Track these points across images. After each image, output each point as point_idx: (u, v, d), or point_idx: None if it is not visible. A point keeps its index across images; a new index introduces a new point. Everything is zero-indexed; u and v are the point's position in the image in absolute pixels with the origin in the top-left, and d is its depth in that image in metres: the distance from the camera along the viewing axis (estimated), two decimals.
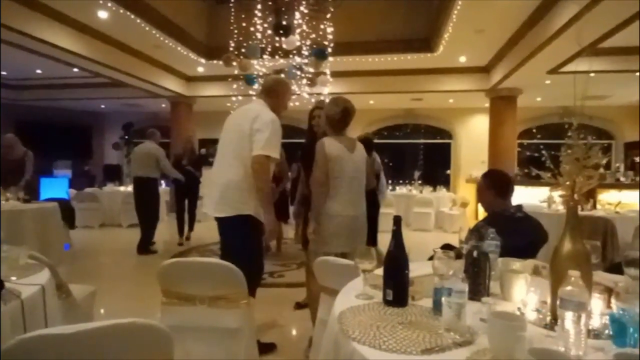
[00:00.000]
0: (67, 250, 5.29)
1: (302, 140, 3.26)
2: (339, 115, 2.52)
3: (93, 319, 2.27)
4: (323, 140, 2.49)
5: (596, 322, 1.10)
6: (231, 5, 6.06)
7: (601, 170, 1.17)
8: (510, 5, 5.23)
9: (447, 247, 1.92)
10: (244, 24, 5.97)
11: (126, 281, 4.46)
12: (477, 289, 1.33)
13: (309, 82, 6.45)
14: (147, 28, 6.13)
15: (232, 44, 6.03)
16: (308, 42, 6.03)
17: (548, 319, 1.14)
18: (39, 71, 8.09)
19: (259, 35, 5.83)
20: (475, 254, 1.37)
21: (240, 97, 7.41)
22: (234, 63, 5.95)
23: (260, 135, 2.30)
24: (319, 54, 5.83)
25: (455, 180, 10.61)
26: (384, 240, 1.57)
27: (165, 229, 6.17)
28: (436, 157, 11.13)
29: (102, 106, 11.74)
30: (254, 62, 6.16)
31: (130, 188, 8.59)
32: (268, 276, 4.37)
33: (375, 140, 5.72)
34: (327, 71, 6.51)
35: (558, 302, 0.97)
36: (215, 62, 7.41)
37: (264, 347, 2.53)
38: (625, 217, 4.43)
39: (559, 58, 5.87)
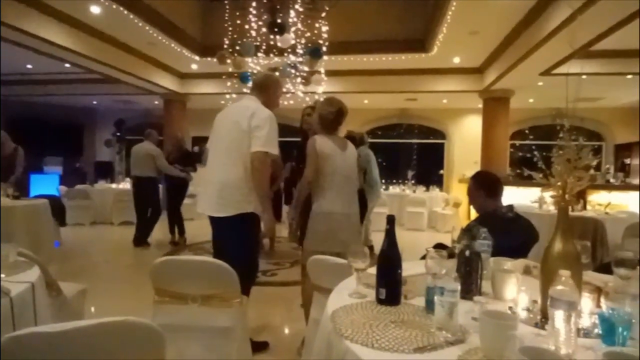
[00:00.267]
0: (58, 247, 5.23)
1: (296, 139, 3.25)
2: (333, 116, 2.53)
3: (84, 317, 2.24)
4: (315, 137, 2.49)
5: (586, 321, 1.12)
6: (226, 2, 6.03)
7: (592, 171, 1.18)
8: (504, 7, 5.26)
9: (439, 246, 1.93)
10: (238, 22, 5.95)
11: (118, 279, 4.42)
12: (469, 288, 1.34)
13: (303, 81, 6.44)
14: (140, 24, 6.07)
15: (227, 42, 6.00)
16: (303, 41, 6.02)
17: (539, 318, 1.16)
18: (29, 66, 7.97)
19: (253, 33, 5.81)
20: (467, 253, 1.38)
21: (234, 95, 7.37)
22: (228, 61, 5.92)
23: (259, 131, 2.30)
24: (314, 53, 5.83)
25: (449, 180, 10.67)
26: (378, 239, 1.57)
27: (157, 228, 6.11)
28: (430, 157, 11.18)
29: (94, 102, 11.62)
30: (248, 60, 6.14)
31: (122, 185, 8.61)
32: (261, 275, 4.36)
33: (370, 140, 5.72)
34: (322, 70, 6.51)
35: (548, 302, 0.98)
36: (209, 59, 7.37)
37: (257, 345, 2.53)
38: (615, 218, 4.49)
39: (552, 60, 5.93)
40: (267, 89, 2.55)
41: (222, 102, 7.53)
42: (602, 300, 1.09)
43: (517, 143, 10.45)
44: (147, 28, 6.22)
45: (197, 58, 7.72)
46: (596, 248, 3.99)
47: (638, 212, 5.22)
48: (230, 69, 6.14)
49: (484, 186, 2.28)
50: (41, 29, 5.48)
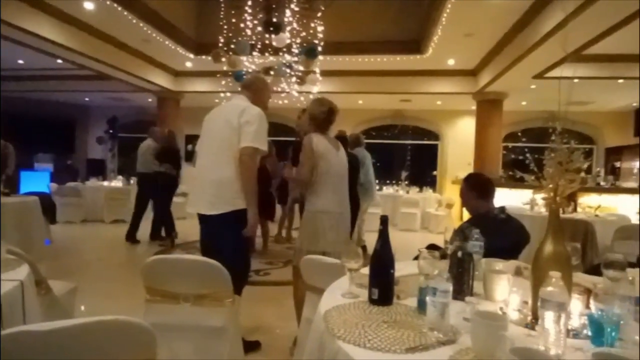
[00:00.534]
0: (48, 245, 5.17)
1: (291, 138, 3.25)
2: (325, 115, 2.56)
3: (74, 316, 2.22)
4: (311, 136, 2.49)
5: (575, 322, 1.13)
6: (221, 0, 6.00)
7: (582, 174, 1.20)
8: (498, 11, 5.31)
9: (432, 247, 1.94)
10: (233, 20, 5.92)
11: (108, 278, 4.38)
12: (461, 289, 1.35)
13: (298, 81, 6.43)
14: (134, 21, 6.02)
15: (222, 40, 5.97)
16: (298, 40, 6.01)
17: (529, 318, 1.17)
18: (21, 62, 7.86)
19: (248, 32, 5.79)
20: (459, 254, 1.39)
21: (228, 94, 7.35)
22: (223, 59, 5.90)
23: (249, 127, 2.32)
24: (310, 53, 5.82)
25: (442, 182, 10.73)
26: (371, 239, 1.58)
27: (149, 225, 6.08)
28: (423, 158, 11.23)
29: (87, 99, 11.50)
30: (243, 58, 6.12)
31: (114, 183, 8.56)
32: (254, 274, 4.35)
33: (365, 140, 5.73)
34: (317, 70, 6.50)
35: (539, 303, 0.99)
36: (204, 57, 7.33)
37: (249, 345, 2.52)
38: (605, 220, 4.54)
39: (545, 63, 5.98)
40: (255, 90, 2.57)
41: (217, 100, 7.49)
42: (592, 301, 1.11)
43: (509, 145, 10.53)
44: (141, 25, 6.17)
45: (191, 56, 7.68)
46: (586, 250, 4.03)
47: (627, 214, 5.29)
48: (225, 68, 6.12)
49: (476, 188, 2.30)
50: (33, 24, 5.41)
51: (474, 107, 8.72)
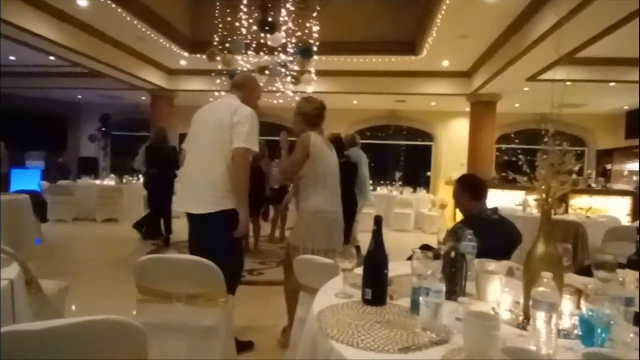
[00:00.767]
0: (39, 244, 5.12)
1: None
2: (318, 112, 2.57)
3: (64, 316, 2.20)
4: (309, 134, 2.48)
5: (566, 322, 1.14)
6: None
7: (574, 176, 1.21)
8: (492, 13, 5.34)
9: (426, 247, 1.95)
10: (229, 19, 5.89)
11: (100, 277, 4.34)
12: (454, 289, 1.35)
13: (293, 80, 6.43)
14: (129, 19, 5.97)
15: (217, 39, 5.94)
16: (294, 40, 6.01)
17: (521, 319, 1.18)
18: (12, 58, 7.76)
19: (244, 31, 5.77)
20: (453, 255, 1.39)
21: (223, 93, 7.31)
22: (218, 58, 5.87)
23: (241, 128, 2.31)
24: (305, 53, 5.82)
25: (436, 182, 10.78)
26: (365, 240, 1.58)
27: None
28: (417, 159, 11.27)
29: (79, 97, 11.39)
30: (239, 58, 6.09)
31: (106, 182, 8.50)
32: (247, 274, 4.34)
33: (360, 141, 5.77)
34: (312, 70, 6.50)
35: (531, 303, 1.00)
36: (198, 56, 7.30)
37: (242, 345, 2.51)
38: (596, 222, 4.60)
39: (538, 66, 6.03)
40: (246, 90, 2.57)
41: (211, 99, 7.36)
42: (582, 302, 1.12)
43: (503, 147, 10.61)
44: (135, 23, 6.12)
45: (186, 54, 7.64)
46: (577, 251, 4.08)
47: (618, 216, 5.36)
48: (220, 67, 6.09)
49: (469, 189, 2.32)
50: (26, 21, 5.34)
51: (468, 109, 8.77)
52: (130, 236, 6.19)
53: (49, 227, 6.22)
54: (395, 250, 1.54)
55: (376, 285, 1.30)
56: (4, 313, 1.36)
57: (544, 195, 1.19)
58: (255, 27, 5.69)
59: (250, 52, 6.06)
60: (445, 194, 9.45)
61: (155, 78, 8.66)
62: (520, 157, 1.33)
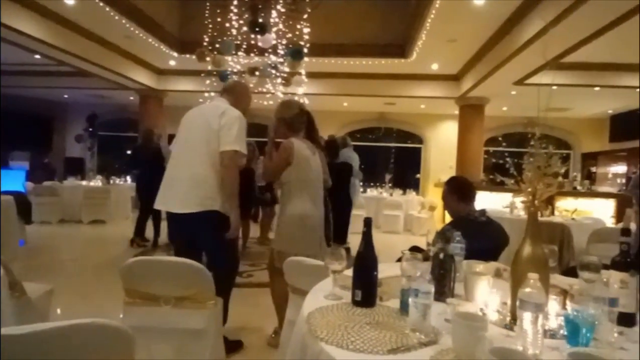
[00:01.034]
0: (22, 246, 5.01)
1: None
2: (300, 116, 2.59)
3: (49, 319, 2.15)
4: (292, 140, 2.49)
5: (552, 322, 1.16)
6: None
7: (560, 178, 1.23)
8: (481, 18, 5.42)
9: (415, 249, 1.97)
10: (218, 19, 5.86)
11: (86, 280, 4.27)
12: (443, 290, 1.36)
13: (283, 82, 6.42)
14: (116, 17, 5.90)
15: (206, 39, 5.91)
16: (284, 42, 6.00)
17: (508, 319, 1.19)
18: None
19: (234, 32, 5.74)
20: (441, 256, 1.40)
21: (212, 94, 7.27)
22: (208, 58, 5.83)
23: (229, 130, 2.32)
24: (295, 54, 5.82)
25: (425, 184, 10.87)
26: (355, 241, 1.58)
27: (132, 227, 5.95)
28: (407, 160, 11.35)
29: (65, 96, 11.20)
30: (228, 58, 6.06)
31: (93, 183, 8.35)
32: (237, 276, 4.30)
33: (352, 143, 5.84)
34: (303, 71, 6.50)
35: (517, 303, 1.01)
36: (188, 56, 7.25)
37: (231, 345, 2.49)
38: (581, 223, 4.68)
39: (525, 70, 6.14)
40: (236, 95, 2.58)
41: (201, 100, 7.36)
42: (568, 302, 1.14)
43: (490, 149, 10.76)
44: (123, 21, 6.05)
45: (175, 54, 7.58)
46: (563, 252, 4.14)
47: (602, 218, 5.47)
48: (209, 67, 6.05)
49: (458, 191, 2.34)
50: (11, 17, 5.24)
51: (456, 112, 8.87)
52: (117, 238, 6.10)
53: (34, 228, 6.09)
54: (384, 251, 1.55)
55: (365, 286, 1.30)
56: None
57: (530, 197, 1.21)
58: (245, 28, 5.67)
59: (240, 53, 6.04)
60: (434, 195, 9.53)
61: (144, 78, 8.57)
62: (508, 159, 1.35)
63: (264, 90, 6.66)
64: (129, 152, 5.99)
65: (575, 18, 4.10)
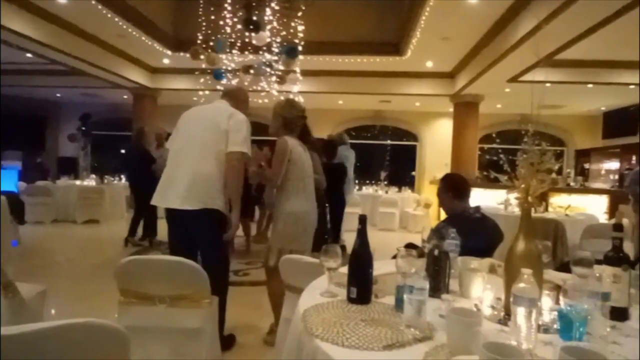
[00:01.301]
0: (15, 246, 4.97)
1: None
2: (299, 119, 2.64)
3: (43, 319, 2.14)
4: (286, 139, 2.53)
5: (546, 317, 1.17)
6: None
7: (553, 175, 1.24)
8: (474, 16, 5.43)
9: (410, 246, 1.97)
10: (212, 17, 5.83)
11: (80, 280, 4.24)
12: (438, 287, 1.37)
13: (278, 80, 6.40)
14: (109, 16, 5.85)
15: (200, 37, 5.87)
16: (278, 40, 5.98)
17: (502, 314, 1.20)
18: None
19: (228, 30, 5.71)
20: (436, 252, 1.41)
21: (207, 92, 7.24)
22: (202, 57, 5.80)
23: (238, 133, 2.38)
24: (290, 52, 5.80)
25: (420, 182, 10.90)
26: (350, 239, 1.59)
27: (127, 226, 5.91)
28: (402, 158, 11.38)
29: (58, 95, 11.10)
30: (223, 56, 6.03)
31: (86, 182, 8.31)
32: (233, 274, 4.29)
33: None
34: (297, 69, 6.49)
35: (511, 299, 1.02)
36: (182, 54, 7.20)
37: (225, 341, 2.48)
38: (575, 219, 4.72)
39: (519, 68, 6.16)
40: (238, 100, 2.62)
41: (195, 98, 7.39)
42: (561, 297, 1.15)
43: (485, 147, 10.80)
44: (116, 20, 6.00)
45: (169, 52, 7.53)
46: (557, 248, 4.18)
47: (595, 214, 5.52)
48: (203, 65, 6.02)
49: (453, 188, 2.35)
50: (2, 16, 5.17)
51: (451, 109, 8.90)
52: (111, 238, 6.07)
53: (27, 229, 6.05)
54: (380, 249, 1.55)
55: (361, 283, 1.31)
56: None
57: (524, 194, 1.22)
58: (239, 26, 5.65)
59: (234, 51, 6.01)
60: (430, 193, 9.56)
61: (138, 76, 8.51)
62: (502, 156, 1.36)
63: (259, 88, 6.63)
64: (123, 151, 5.91)
65: (568, 16, 4.12)
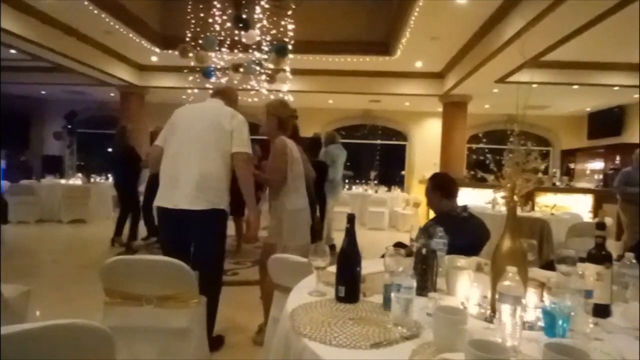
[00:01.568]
0: None
1: (261, 137, 3.23)
2: (291, 118, 2.72)
3: (27, 320, 2.10)
4: (285, 140, 2.57)
5: (530, 314, 1.19)
6: None
7: (539, 174, 1.26)
8: (463, 16, 5.48)
9: (399, 245, 1.98)
10: (201, 15, 5.78)
11: (65, 281, 4.17)
12: (425, 285, 1.38)
13: (268, 79, 6.38)
14: (96, 12, 5.75)
15: (189, 35, 5.81)
16: (268, 38, 5.95)
17: (488, 312, 1.21)
18: None
19: (217, 27, 5.67)
20: (424, 251, 1.42)
21: (196, 90, 7.18)
22: (191, 54, 5.74)
23: (241, 133, 2.41)
24: (280, 50, 5.77)
25: (409, 181, 10.97)
26: (339, 238, 1.59)
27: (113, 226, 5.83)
28: (392, 158, 11.43)
29: (43, 92, 10.88)
30: (212, 54, 5.98)
31: (72, 181, 8.17)
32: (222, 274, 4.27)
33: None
34: (287, 68, 6.47)
35: (497, 297, 1.03)
36: (170, 52, 7.12)
37: (213, 342, 2.47)
38: (560, 218, 4.80)
39: (506, 68, 6.24)
40: (229, 98, 2.63)
41: (184, 96, 7.32)
42: (545, 294, 1.16)
43: (473, 146, 10.91)
44: (103, 16, 5.90)
45: (157, 50, 7.43)
46: (542, 246, 4.24)
47: (580, 213, 5.62)
48: (192, 63, 5.96)
49: (440, 187, 2.38)
50: None
51: (440, 109, 8.97)
52: (98, 238, 5.98)
53: (10, 228, 5.93)
54: (369, 248, 1.56)
55: (349, 282, 1.31)
56: None
57: (510, 193, 1.24)
58: (228, 24, 5.61)
59: (223, 49, 5.96)
60: (419, 192, 9.62)
61: (125, 74, 8.39)
62: (488, 156, 1.37)
63: (248, 87, 6.59)
64: (110, 149, 5.81)
65: (555, 17, 4.19)
